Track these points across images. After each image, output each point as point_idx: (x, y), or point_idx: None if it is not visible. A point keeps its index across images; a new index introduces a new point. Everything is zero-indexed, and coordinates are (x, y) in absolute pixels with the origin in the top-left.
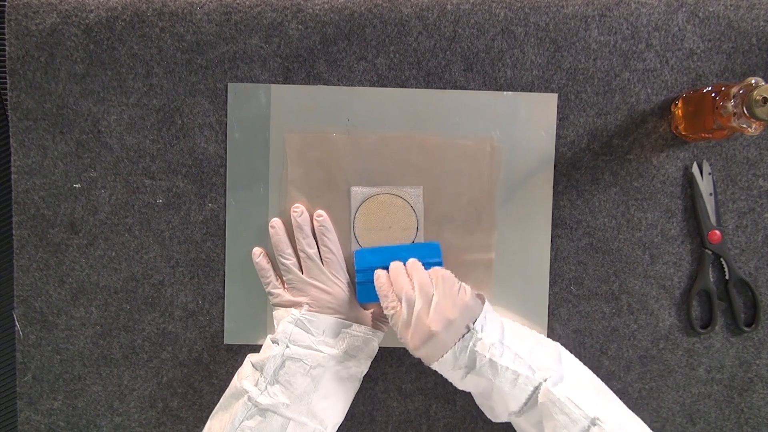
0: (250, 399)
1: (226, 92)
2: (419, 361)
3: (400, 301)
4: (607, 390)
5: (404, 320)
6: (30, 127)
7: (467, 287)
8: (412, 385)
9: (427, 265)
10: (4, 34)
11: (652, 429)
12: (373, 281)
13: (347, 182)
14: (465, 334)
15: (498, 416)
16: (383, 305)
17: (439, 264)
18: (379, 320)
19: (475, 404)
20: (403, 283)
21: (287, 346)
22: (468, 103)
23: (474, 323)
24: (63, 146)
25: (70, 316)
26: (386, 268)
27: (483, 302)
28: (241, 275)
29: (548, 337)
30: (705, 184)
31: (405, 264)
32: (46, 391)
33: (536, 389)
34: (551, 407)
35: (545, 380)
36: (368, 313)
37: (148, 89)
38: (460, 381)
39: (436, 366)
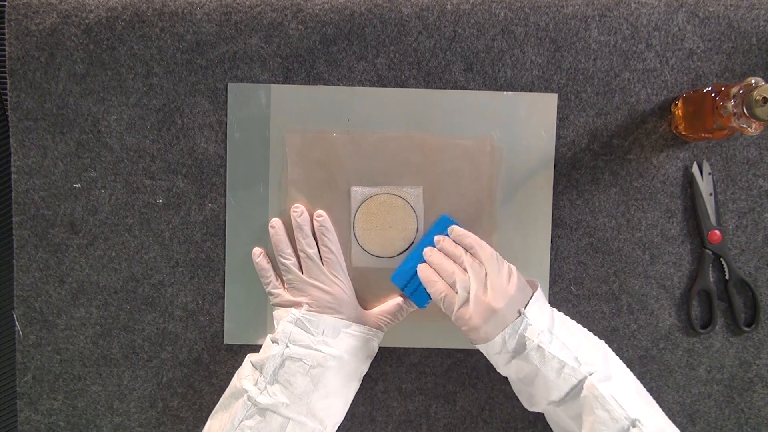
0: (249, 398)
1: (226, 92)
2: (419, 361)
3: (451, 286)
4: (648, 395)
5: (462, 302)
6: (30, 127)
7: (512, 266)
8: (412, 385)
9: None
10: (4, 34)
11: None
12: (420, 285)
13: (347, 182)
14: (516, 319)
15: (535, 404)
16: (431, 292)
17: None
18: (380, 320)
19: (476, 404)
20: (448, 266)
21: (287, 346)
22: (468, 103)
23: (525, 308)
24: (63, 146)
25: (70, 316)
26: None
27: (535, 288)
28: (241, 275)
29: None
30: (705, 184)
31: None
32: (46, 391)
33: (580, 382)
34: (593, 402)
35: (590, 374)
36: (368, 313)
37: (148, 89)
38: (504, 365)
39: (483, 348)
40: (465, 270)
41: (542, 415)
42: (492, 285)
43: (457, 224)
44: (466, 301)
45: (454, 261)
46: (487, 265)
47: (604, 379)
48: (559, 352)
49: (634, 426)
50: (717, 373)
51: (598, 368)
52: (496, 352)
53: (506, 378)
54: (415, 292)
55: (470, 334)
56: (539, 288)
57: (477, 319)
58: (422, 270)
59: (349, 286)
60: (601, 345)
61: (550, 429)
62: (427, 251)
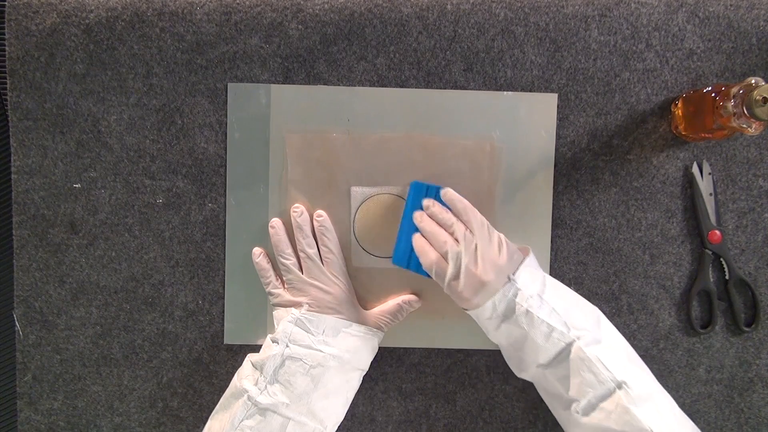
0: (249, 398)
1: (226, 92)
2: (419, 361)
3: (443, 256)
4: (640, 361)
5: (452, 274)
6: (30, 127)
7: (501, 235)
8: (412, 385)
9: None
10: (4, 34)
11: None
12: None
13: (347, 182)
14: (505, 284)
15: (525, 369)
16: (423, 263)
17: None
18: (380, 320)
19: (476, 404)
20: (440, 235)
21: (287, 346)
22: (468, 103)
23: (514, 274)
24: (63, 146)
25: (70, 316)
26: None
27: (526, 254)
28: (241, 275)
29: None
30: (705, 184)
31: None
32: (46, 391)
33: (569, 345)
34: (579, 364)
35: (579, 338)
36: (368, 313)
37: (148, 89)
38: (494, 330)
39: (473, 314)
40: (457, 240)
41: (542, 415)
42: (482, 256)
43: (438, 187)
44: (457, 273)
45: (445, 229)
46: (478, 235)
47: (591, 343)
48: (548, 317)
49: (620, 388)
50: (717, 373)
51: (587, 333)
52: (486, 317)
53: (506, 378)
54: (418, 265)
55: (461, 303)
56: (531, 254)
57: (467, 291)
58: (416, 240)
59: (349, 286)
60: (593, 311)
61: (550, 429)
62: (417, 216)
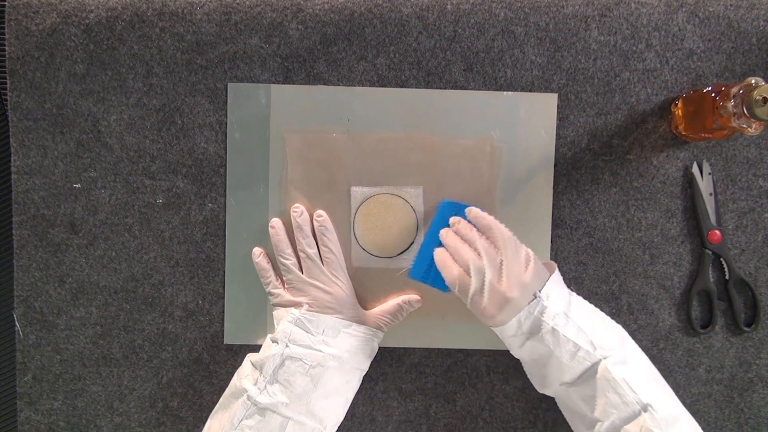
0: (249, 398)
1: (226, 92)
2: (419, 361)
3: (466, 271)
4: (665, 383)
5: (476, 289)
6: (30, 127)
7: (530, 250)
8: (412, 385)
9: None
10: (4, 34)
11: None
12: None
13: (347, 182)
14: (531, 301)
15: (548, 385)
16: (446, 277)
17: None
18: (380, 320)
19: (476, 404)
20: (464, 252)
21: (287, 346)
22: (468, 103)
23: (541, 291)
24: (63, 146)
25: (70, 316)
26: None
27: (552, 270)
28: (241, 275)
29: None
30: (705, 184)
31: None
32: (46, 391)
33: (594, 365)
34: (606, 385)
35: (605, 358)
36: (368, 313)
37: (148, 89)
38: (518, 347)
39: (497, 330)
40: (480, 256)
41: (542, 415)
42: (507, 272)
43: (466, 206)
44: (481, 288)
45: (470, 245)
46: (504, 250)
47: (618, 363)
48: (575, 336)
49: (645, 411)
50: (717, 373)
51: (613, 353)
52: (510, 334)
53: (506, 378)
54: (436, 279)
55: (485, 320)
56: (557, 270)
57: (492, 308)
58: (438, 253)
59: (349, 286)
60: (618, 330)
61: (550, 429)
62: (443, 233)
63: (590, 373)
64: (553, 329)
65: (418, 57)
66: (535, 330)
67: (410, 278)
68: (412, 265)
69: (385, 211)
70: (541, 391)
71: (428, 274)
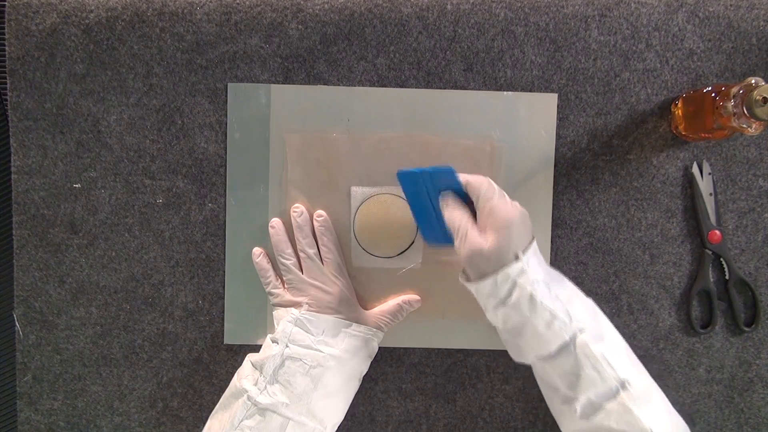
0: (249, 398)
1: (226, 92)
2: (419, 361)
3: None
4: (635, 357)
5: (462, 234)
6: (30, 127)
7: (519, 210)
8: (412, 385)
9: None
10: (4, 34)
11: None
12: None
13: (347, 182)
14: (512, 263)
15: (523, 355)
16: (447, 216)
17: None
18: (380, 320)
19: (476, 404)
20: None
21: (287, 346)
22: (468, 103)
23: (524, 253)
24: (63, 146)
25: (70, 316)
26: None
27: (533, 240)
28: (241, 275)
29: None
30: (705, 184)
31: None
32: (46, 391)
33: (571, 339)
34: (584, 361)
35: (581, 331)
36: (368, 313)
37: (148, 89)
38: (492, 310)
39: (473, 288)
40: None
41: (542, 415)
42: (505, 202)
43: (421, 170)
44: (465, 235)
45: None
46: (486, 201)
47: (596, 339)
48: (551, 305)
49: (623, 388)
50: (717, 373)
51: (588, 326)
52: (486, 293)
53: (506, 378)
54: (426, 226)
55: (469, 265)
56: (535, 241)
57: (466, 257)
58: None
59: (349, 286)
60: (590, 303)
61: (550, 429)
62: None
63: (567, 348)
64: (531, 295)
65: (418, 57)
66: (509, 294)
67: (429, 244)
68: (423, 235)
69: (385, 211)
70: (517, 360)
71: (439, 234)
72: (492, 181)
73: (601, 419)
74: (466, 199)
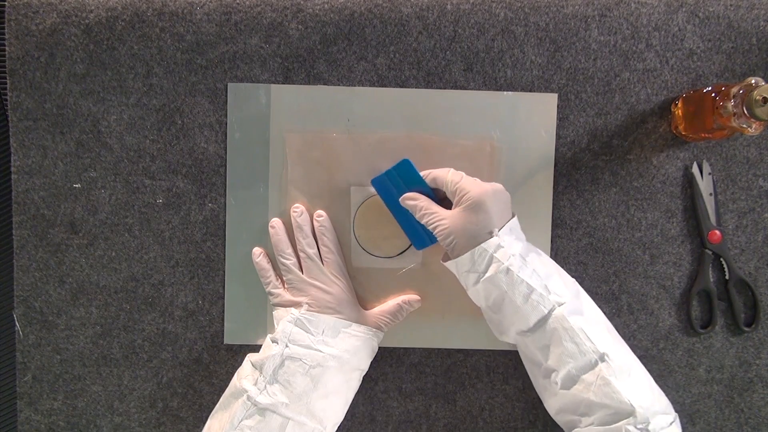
0: (249, 398)
1: (226, 92)
2: (419, 361)
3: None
4: (617, 334)
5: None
6: (30, 127)
7: (493, 187)
8: (412, 385)
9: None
10: (4, 34)
11: None
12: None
13: (347, 182)
14: (488, 239)
15: (504, 332)
16: (413, 209)
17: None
18: (380, 320)
19: (476, 404)
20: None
21: (287, 346)
22: (468, 103)
23: (500, 230)
24: (63, 146)
25: (70, 316)
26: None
27: (513, 217)
28: (241, 275)
29: None
30: (705, 184)
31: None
32: (46, 391)
33: (550, 313)
34: (562, 334)
35: (560, 305)
36: (368, 313)
37: (148, 89)
38: (472, 285)
39: (453, 266)
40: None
41: (542, 415)
42: (474, 181)
43: (390, 171)
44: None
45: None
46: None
47: (574, 312)
48: (528, 278)
49: (602, 360)
50: (717, 373)
51: (568, 300)
52: (465, 269)
53: (506, 378)
54: (414, 233)
55: (444, 255)
56: (516, 218)
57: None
58: (416, 202)
59: (349, 286)
60: (572, 282)
61: (550, 429)
62: (403, 198)
63: (546, 321)
64: (508, 269)
65: (418, 57)
66: (487, 269)
67: (419, 250)
68: (411, 241)
69: (385, 211)
70: (500, 338)
71: (423, 236)
72: (455, 170)
73: (580, 391)
74: (436, 197)
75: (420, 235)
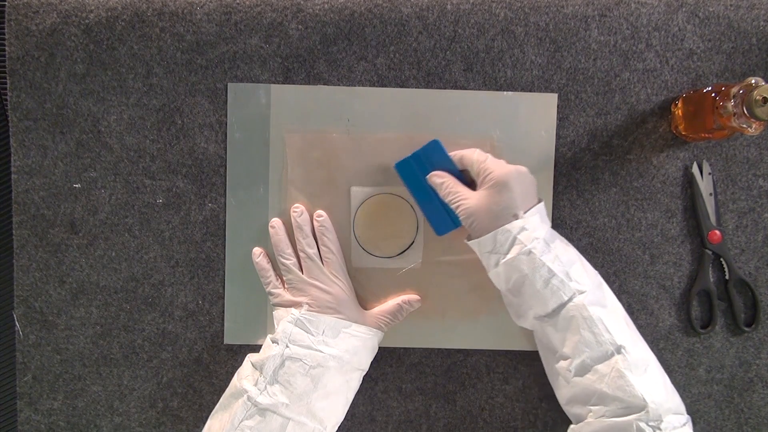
0: (249, 399)
1: (226, 92)
2: (419, 361)
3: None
4: (636, 330)
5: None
6: (30, 127)
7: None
8: (412, 385)
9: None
10: (4, 34)
11: None
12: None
13: (347, 182)
14: (512, 221)
15: (522, 315)
16: (441, 188)
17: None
18: (380, 320)
19: (476, 404)
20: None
21: (287, 346)
22: (468, 103)
23: (525, 212)
24: (63, 146)
25: (70, 316)
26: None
27: (539, 202)
28: (241, 275)
29: None
30: (705, 184)
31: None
32: (46, 391)
33: (569, 299)
34: (581, 322)
35: (581, 293)
36: (368, 313)
37: (148, 89)
38: (493, 267)
39: (475, 245)
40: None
41: (542, 415)
42: (499, 162)
43: (415, 154)
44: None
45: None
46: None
47: (595, 303)
48: (551, 263)
49: (618, 353)
50: (717, 373)
51: (589, 290)
52: (487, 250)
53: (506, 378)
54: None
55: (472, 216)
56: (542, 203)
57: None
58: (443, 180)
59: (349, 286)
60: (595, 274)
61: (550, 429)
62: (430, 176)
63: (565, 308)
64: (530, 251)
65: (418, 57)
66: (509, 250)
67: (440, 235)
68: (433, 227)
69: (385, 211)
70: (518, 322)
71: (447, 219)
72: (482, 151)
73: (593, 381)
74: (464, 179)
75: (443, 219)
